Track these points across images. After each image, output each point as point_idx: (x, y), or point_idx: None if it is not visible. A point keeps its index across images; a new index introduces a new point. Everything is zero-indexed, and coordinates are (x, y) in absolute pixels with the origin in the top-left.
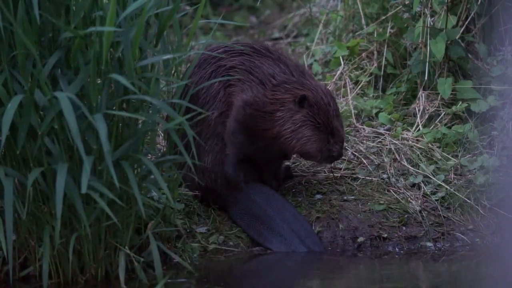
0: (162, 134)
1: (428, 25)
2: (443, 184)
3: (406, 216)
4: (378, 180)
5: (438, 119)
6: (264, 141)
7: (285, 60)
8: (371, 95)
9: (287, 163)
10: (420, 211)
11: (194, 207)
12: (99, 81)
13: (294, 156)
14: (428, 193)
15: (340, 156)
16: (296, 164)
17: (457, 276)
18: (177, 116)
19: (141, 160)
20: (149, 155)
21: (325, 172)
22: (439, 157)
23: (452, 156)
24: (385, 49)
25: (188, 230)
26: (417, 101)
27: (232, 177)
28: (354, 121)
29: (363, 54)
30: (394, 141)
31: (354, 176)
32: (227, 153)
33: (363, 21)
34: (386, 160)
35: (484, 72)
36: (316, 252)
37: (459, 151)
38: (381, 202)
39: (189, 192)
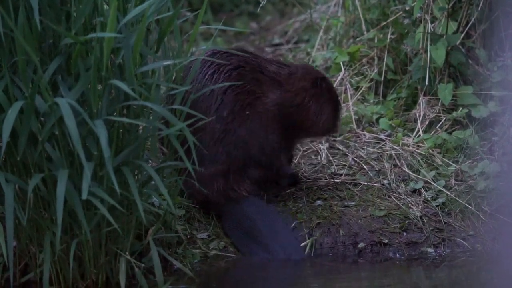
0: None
1: (429, 31)
2: (443, 190)
3: (406, 222)
4: (378, 186)
5: (439, 125)
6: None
7: (264, 57)
8: (371, 101)
9: (293, 170)
10: (420, 217)
11: (194, 213)
12: (99, 87)
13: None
14: (428, 199)
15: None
16: (297, 170)
17: (458, 282)
18: (177, 122)
19: (142, 166)
20: (150, 161)
21: (326, 178)
22: (440, 163)
23: (452, 162)
24: (385, 55)
25: (188, 236)
26: (418, 107)
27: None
28: (355, 127)
29: (364, 60)
30: (395, 147)
31: (355, 182)
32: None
33: (363, 27)
34: (386, 166)
35: (485, 78)
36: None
37: (460, 157)
38: (382, 208)
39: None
